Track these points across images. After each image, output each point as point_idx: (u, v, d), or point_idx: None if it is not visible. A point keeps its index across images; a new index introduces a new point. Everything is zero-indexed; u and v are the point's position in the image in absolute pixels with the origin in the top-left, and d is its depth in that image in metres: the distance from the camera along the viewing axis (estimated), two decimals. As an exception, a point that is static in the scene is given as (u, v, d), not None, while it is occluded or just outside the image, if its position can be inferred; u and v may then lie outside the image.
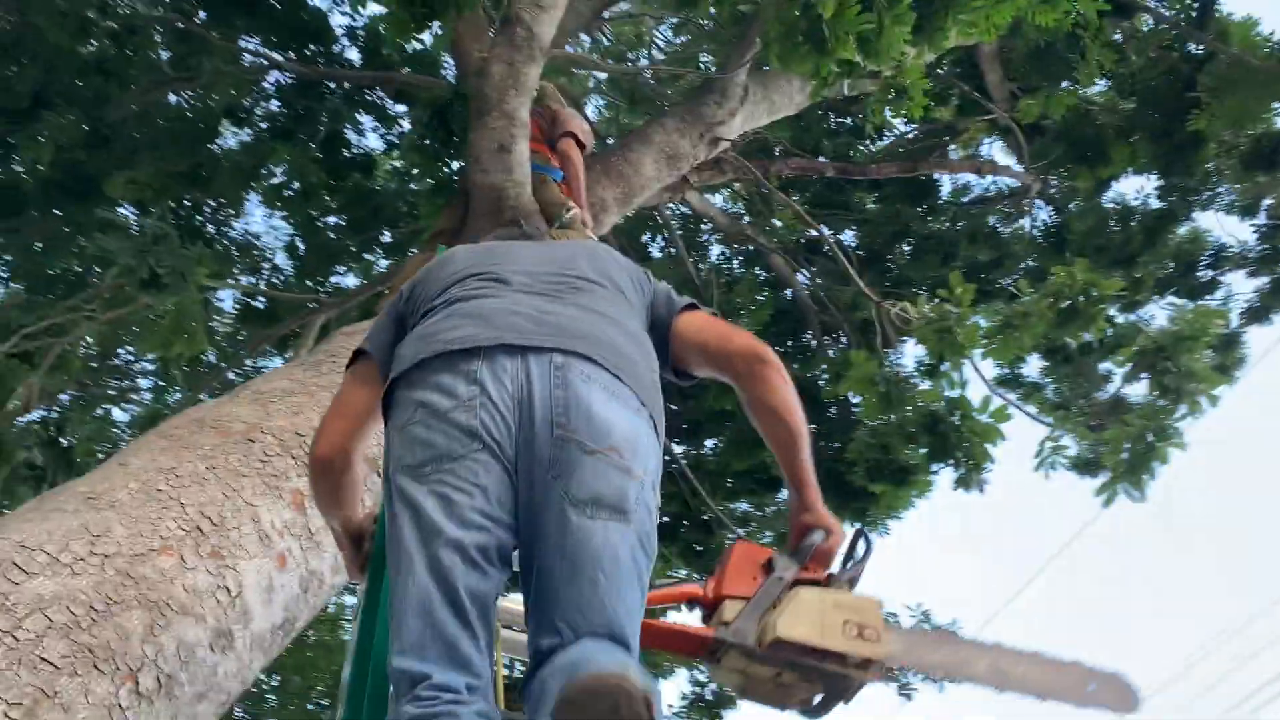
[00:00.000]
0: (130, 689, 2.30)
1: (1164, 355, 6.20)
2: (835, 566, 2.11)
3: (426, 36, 9.00)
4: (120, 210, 8.67)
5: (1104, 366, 9.24)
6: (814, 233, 9.35)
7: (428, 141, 6.49)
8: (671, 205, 9.44)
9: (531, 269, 2.15)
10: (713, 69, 7.42)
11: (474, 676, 1.67)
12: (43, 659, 2.18)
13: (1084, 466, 7.50)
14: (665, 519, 9.07)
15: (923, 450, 6.78)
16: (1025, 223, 9.99)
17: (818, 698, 2.00)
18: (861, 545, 2.14)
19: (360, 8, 8.72)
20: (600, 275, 2.18)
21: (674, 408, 9.59)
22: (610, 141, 8.60)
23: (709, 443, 9.91)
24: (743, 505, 9.94)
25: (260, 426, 3.11)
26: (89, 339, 8.35)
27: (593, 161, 5.93)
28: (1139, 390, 7.36)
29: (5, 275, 9.74)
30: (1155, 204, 9.32)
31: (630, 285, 2.24)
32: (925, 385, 7.42)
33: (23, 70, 7.42)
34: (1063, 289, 6.11)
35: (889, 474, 7.36)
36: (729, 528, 8.71)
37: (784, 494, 8.73)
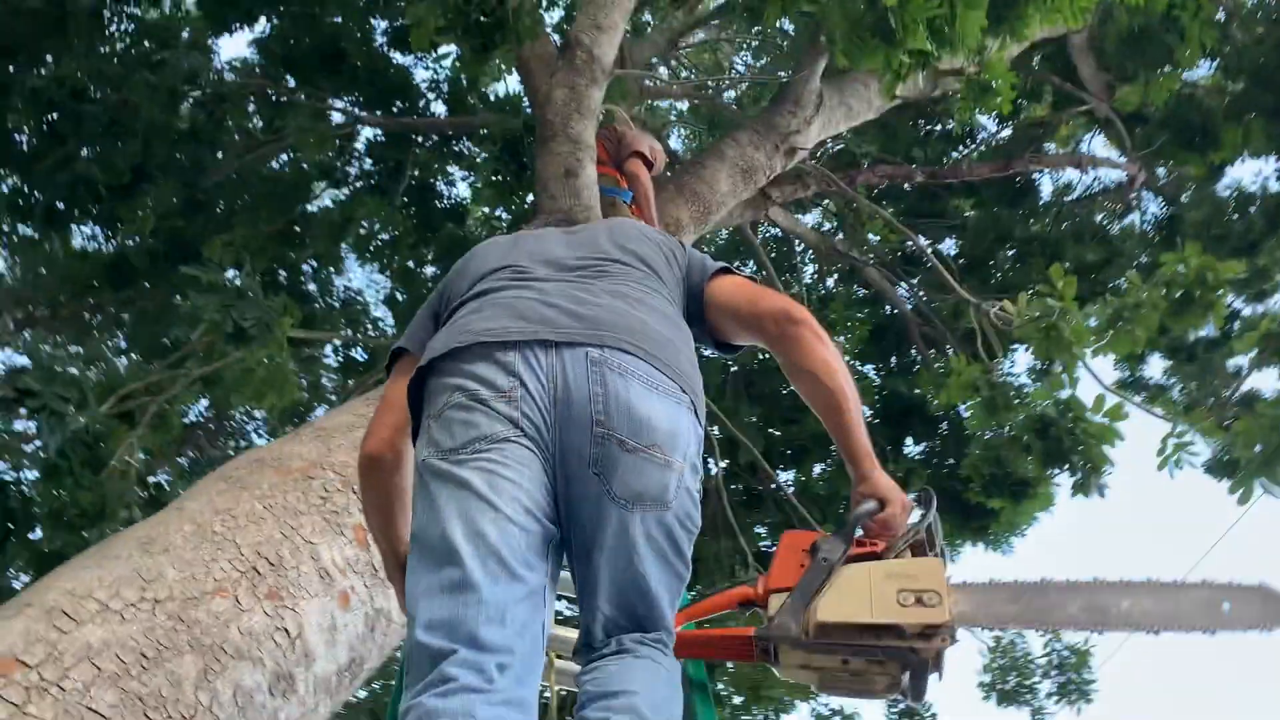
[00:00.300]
0: (183, 737, 2.22)
1: (1295, 337, 5.75)
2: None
3: (507, 82, 9.12)
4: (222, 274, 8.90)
5: (1233, 364, 8.74)
6: (911, 244, 9.07)
7: (500, 176, 6.49)
8: (761, 226, 9.26)
9: (557, 256, 2.09)
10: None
11: (505, 654, 1.57)
12: (90, 709, 2.11)
13: (1219, 468, 7.04)
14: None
15: (1037, 456, 6.40)
16: (1134, 218, 9.54)
17: (905, 678, 1.78)
18: (924, 506, 1.93)
19: (429, 52, 8.83)
20: (625, 253, 2.10)
21: (777, 433, 9.37)
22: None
23: (816, 468, 9.62)
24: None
25: (320, 463, 3.03)
26: (199, 400, 8.56)
27: (666, 181, 5.82)
28: (1272, 383, 6.91)
29: (124, 346, 10.10)
30: (1276, 187, 8.81)
31: (660, 258, 2.14)
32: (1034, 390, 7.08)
33: (122, 146, 7.69)
34: (1176, 277, 5.73)
35: (1006, 488, 7.05)
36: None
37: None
